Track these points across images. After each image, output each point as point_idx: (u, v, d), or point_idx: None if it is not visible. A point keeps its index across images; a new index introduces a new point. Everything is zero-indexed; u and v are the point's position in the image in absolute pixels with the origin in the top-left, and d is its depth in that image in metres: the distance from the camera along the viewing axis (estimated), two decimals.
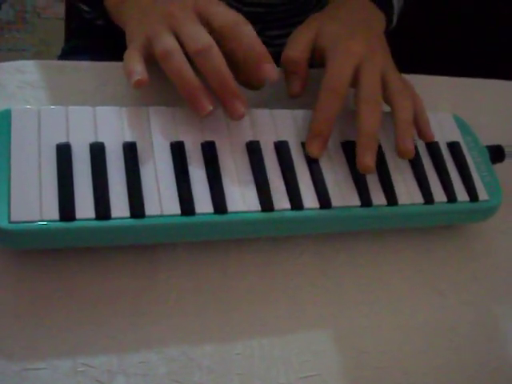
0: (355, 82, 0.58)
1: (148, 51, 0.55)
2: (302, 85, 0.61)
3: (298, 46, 0.61)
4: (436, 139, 0.62)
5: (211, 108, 0.53)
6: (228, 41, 0.55)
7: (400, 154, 0.57)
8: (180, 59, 0.53)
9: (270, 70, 0.55)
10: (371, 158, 0.55)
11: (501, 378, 0.56)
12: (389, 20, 0.70)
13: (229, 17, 0.56)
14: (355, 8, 0.66)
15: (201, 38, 0.54)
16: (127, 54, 0.56)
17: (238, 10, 0.58)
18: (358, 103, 0.57)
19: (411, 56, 0.63)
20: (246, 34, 0.55)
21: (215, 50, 0.53)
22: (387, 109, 0.59)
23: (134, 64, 0.54)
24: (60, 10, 1.90)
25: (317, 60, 0.62)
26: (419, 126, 0.60)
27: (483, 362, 0.56)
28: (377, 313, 0.56)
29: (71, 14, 0.99)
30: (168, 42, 0.54)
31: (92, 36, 0.87)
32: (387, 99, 0.59)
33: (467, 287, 0.61)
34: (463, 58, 1.20)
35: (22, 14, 2.02)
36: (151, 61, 0.55)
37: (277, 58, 0.58)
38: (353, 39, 0.60)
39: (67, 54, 0.92)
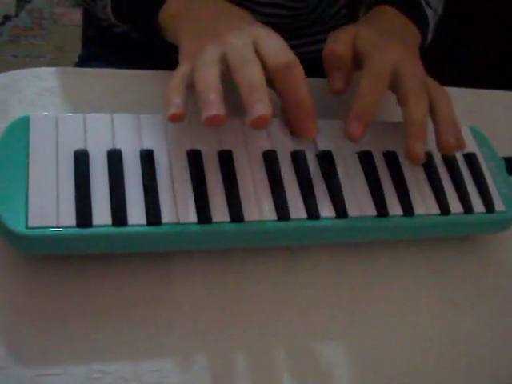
0: (395, 82, 0.58)
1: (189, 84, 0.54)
2: (346, 81, 0.60)
3: (341, 41, 0.60)
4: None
5: (214, 112, 0.49)
6: (278, 84, 0.54)
7: (442, 149, 0.57)
8: (212, 70, 0.52)
9: (309, 131, 0.54)
10: (421, 147, 0.55)
11: None
12: (424, 36, 0.70)
13: (281, 58, 0.53)
14: (390, 21, 0.66)
15: (244, 54, 0.53)
16: (170, 81, 0.53)
17: (260, 11, 0.56)
18: (405, 95, 0.57)
19: (427, 67, 0.63)
20: (296, 82, 0.53)
21: (256, 66, 0.52)
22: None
23: (174, 94, 0.52)
24: (77, 16, 1.91)
25: (353, 62, 0.61)
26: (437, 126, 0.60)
27: (498, 375, 0.56)
28: (391, 324, 0.56)
29: (88, 21, 1.00)
30: (208, 58, 0.53)
31: (109, 43, 0.87)
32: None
33: (483, 299, 0.60)
34: (480, 69, 1.20)
35: (39, 21, 2.03)
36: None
37: None
38: (390, 44, 0.59)
39: (84, 60, 0.92)
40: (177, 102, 0.51)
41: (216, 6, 0.61)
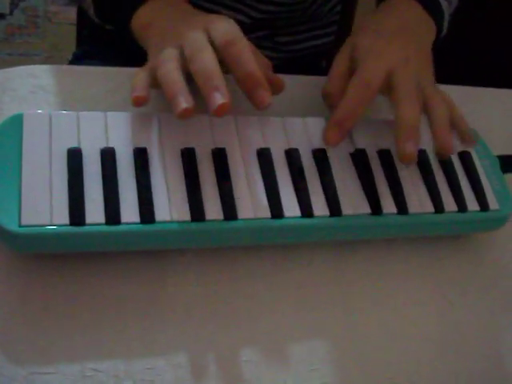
0: (389, 87, 0.58)
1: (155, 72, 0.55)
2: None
3: (332, 81, 0.61)
4: None
5: (185, 105, 0.50)
6: (226, 61, 0.54)
7: (439, 151, 0.58)
8: (172, 65, 0.53)
9: (262, 99, 0.53)
10: (412, 147, 0.55)
11: None
12: (439, 28, 0.70)
13: (224, 35, 0.54)
14: (402, 14, 0.66)
15: (196, 43, 0.54)
16: (135, 73, 0.55)
17: (256, 8, 0.56)
18: (397, 99, 0.57)
19: None
20: (239, 55, 0.53)
21: (207, 52, 0.53)
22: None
23: (138, 80, 0.54)
24: (71, 15, 1.90)
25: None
26: (460, 130, 0.60)
27: (491, 372, 0.56)
28: (385, 321, 0.56)
29: (82, 19, 1.00)
30: (167, 53, 0.54)
31: (103, 41, 0.87)
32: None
33: (477, 297, 0.60)
34: (475, 67, 1.20)
35: (34, 19, 2.03)
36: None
37: (285, 64, 0.58)
38: (388, 46, 0.60)
39: (78, 58, 0.92)
40: (140, 87, 0.53)
41: (180, 13, 0.62)
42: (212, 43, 0.54)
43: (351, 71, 0.60)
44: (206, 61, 0.52)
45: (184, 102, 0.50)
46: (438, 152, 0.59)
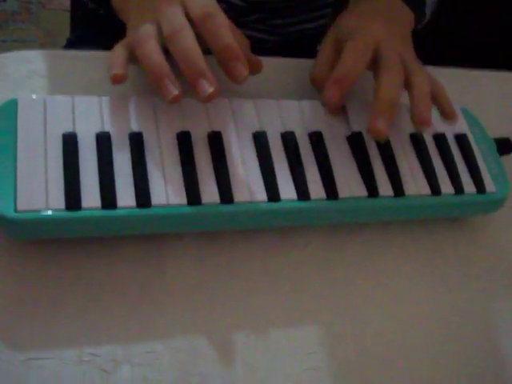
0: (374, 60, 0.58)
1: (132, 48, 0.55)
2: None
3: (320, 65, 0.61)
4: (443, 131, 0.62)
5: (176, 92, 0.51)
6: (203, 34, 0.53)
7: (416, 122, 0.57)
8: (151, 44, 0.52)
9: (237, 71, 0.52)
10: (384, 123, 0.55)
11: (508, 373, 0.56)
12: (419, 16, 0.69)
13: (201, 9, 0.53)
14: (377, 2, 0.66)
15: (174, 22, 0.53)
16: (112, 50, 0.55)
17: None
18: (379, 72, 0.57)
19: (417, 47, 0.63)
20: (216, 28, 0.53)
21: (186, 32, 0.52)
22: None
23: (116, 58, 0.53)
24: (65, 1, 1.89)
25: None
26: (442, 105, 0.60)
27: (490, 355, 0.56)
28: (383, 305, 0.56)
29: (75, 4, 0.99)
30: (142, 30, 0.53)
31: (97, 26, 0.87)
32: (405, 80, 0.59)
33: (474, 280, 0.60)
34: (471, 49, 1.19)
35: (27, 5, 2.01)
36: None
37: (279, 47, 0.58)
38: (372, 24, 0.60)
39: (73, 44, 0.92)
40: (118, 64, 0.52)
41: None
42: (188, 16, 0.53)
43: (338, 54, 0.59)
44: (187, 42, 0.52)
45: (172, 88, 0.50)
46: (415, 124, 0.58)
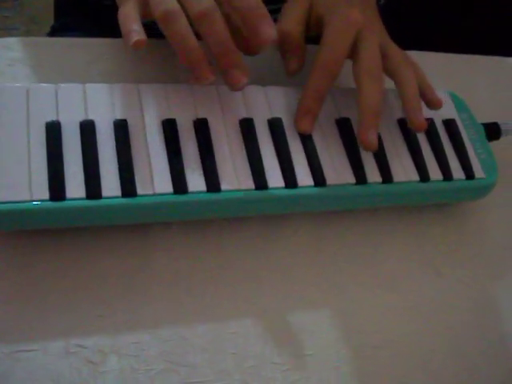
0: (354, 53, 0.57)
1: (144, 11, 0.53)
2: (300, 61, 0.58)
3: (290, 19, 0.59)
4: (431, 116, 0.61)
5: (213, 78, 0.51)
6: (225, 4, 0.51)
7: (416, 129, 0.57)
8: (184, 24, 0.50)
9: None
10: (375, 135, 0.54)
11: (497, 356, 0.56)
12: None
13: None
14: None
15: (203, 1, 0.50)
16: (123, 13, 0.52)
17: None
18: (359, 77, 0.56)
19: (404, 31, 0.62)
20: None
21: (218, 13, 0.50)
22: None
23: (132, 23, 0.51)
24: None
25: (313, 30, 0.60)
26: (425, 95, 0.59)
27: (480, 341, 0.56)
28: (372, 291, 0.56)
29: None
30: (170, 3, 0.50)
31: (81, 12, 0.86)
32: (388, 71, 0.58)
33: (464, 265, 0.60)
34: (458, 34, 1.19)
35: None
36: (147, 19, 0.52)
37: None
38: (351, 7, 0.57)
39: (56, 30, 0.91)
40: (137, 29, 0.50)
41: None
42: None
43: (307, 23, 0.59)
44: (220, 26, 0.50)
45: (209, 74, 0.51)
46: (412, 129, 0.57)
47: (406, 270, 0.58)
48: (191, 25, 0.51)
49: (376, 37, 0.58)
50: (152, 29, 0.52)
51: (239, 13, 0.51)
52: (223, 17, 0.51)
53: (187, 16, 0.51)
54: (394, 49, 0.59)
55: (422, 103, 0.58)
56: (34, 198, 0.46)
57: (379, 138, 0.57)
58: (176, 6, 0.50)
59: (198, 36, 0.51)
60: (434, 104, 0.59)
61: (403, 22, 0.64)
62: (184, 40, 0.50)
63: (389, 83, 0.58)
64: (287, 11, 0.60)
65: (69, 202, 0.47)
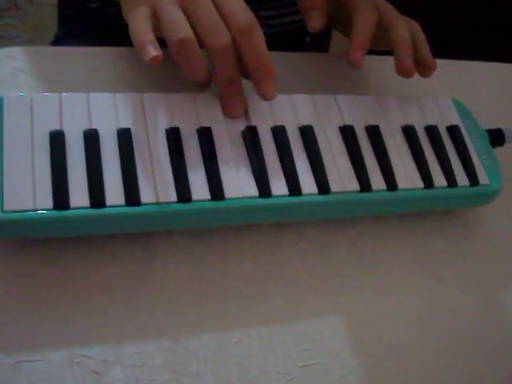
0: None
1: (154, 25, 0.53)
2: (323, 17, 0.62)
3: None
4: (435, 123, 0.61)
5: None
6: (240, 45, 0.53)
7: (402, 72, 0.60)
8: (197, 54, 0.52)
9: (270, 90, 0.54)
10: (361, 54, 0.59)
11: (500, 363, 0.56)
12: None
13: (245, 19, 0.53)
14: None
15: (218, 31, 0.52)
16: (136, 24, 0.53)
17: None
18: (354, 12, 0.61)
19: None
20: (258, 43, 0.53)
21: (232, 52, 0.53)
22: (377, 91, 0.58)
23: (147, 36, 0.51)
24: None
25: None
26: (418, 52, 0.61)
27: (484, 349, 0.56)
28: (376, 300, 0.56)
29: None
30: (184, 30, 0.51)
31: (85, 21, 0.86)
32: (381, 23, 0.61)
33: (468, 273, 0.60)
34: (463, 41, 1.19)
35: (15, 1, 2.00)
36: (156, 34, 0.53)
37: (272, 40, 0.57)
38: None
39: (60, 39, 0.91)
40: (154, 44, 0.51)
41: None
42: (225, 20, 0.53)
43: None
44: (230, 68, 0.53)
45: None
46: (399, 73, 0.61)
47: (410, 278, 0.58)
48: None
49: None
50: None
51: (249, 62, 0.53)
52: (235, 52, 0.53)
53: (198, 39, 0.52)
54: (386, 4, 0.63)
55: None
56: (38, 207, 0.46)
57: (383, 145, 0.57)
58: (190, 33, 0.51)
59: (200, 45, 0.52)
60: (425, 63, 0.62)
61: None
62: (196, 71, 0.53)
63: (394, 89, 0.58)
64: None
65: (73, 211, 0.47)
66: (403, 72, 0.60)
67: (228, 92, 0.54)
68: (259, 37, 0.53)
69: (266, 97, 0.54)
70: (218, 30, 0.52)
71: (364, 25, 0.60)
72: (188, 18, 0.52)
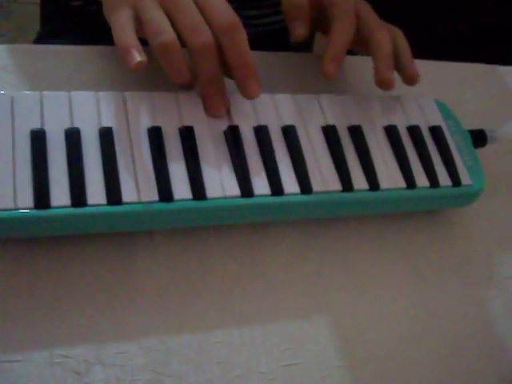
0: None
1: (136, 27, 0.53)
2: (306, 26, 0.61)
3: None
4: (417, 123, 0.61)
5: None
6: (222, 44, 0.53)
7: (381, 85, 0.59)
8: (180, 56, 0.52)
9: (253, 89, 0.54)
10: (336, 66, 0.58)
11: (482, 362, 0.56)
12: None
13: (227, 19, 0.53)
14: None
15: (199, 30, 0.52)
16: (119, 27, 0.53)
17: None
18: (333, 20, 0.60)
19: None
20: (240, 43, 0.53)
21: (214, 50, 0.53)
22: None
23: (132, 41, 0.51)
24: None
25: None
26: (401, 60, 0.61)
27: (465, 348, 0.56)
28: (358, 299, 0.56)
29: None
30: (167, 33, 0.52)
31: (67, 19, 0.85)
32: (362, 32, 0.61)
33: (450, 272, 0.60)
34: (445, 41, 1.19)
35: None
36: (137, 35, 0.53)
37: (255, 40, 0.57)
38: None
39: (43, 38, 0.90)
40: (137, 48, 0.51)
41: None
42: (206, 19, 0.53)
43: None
44: (212, 67, 0.53)
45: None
46: (377, 85, 0.60)
47: (392, 277, 0.58)
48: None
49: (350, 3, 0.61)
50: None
51: (232, 61, 0.53)
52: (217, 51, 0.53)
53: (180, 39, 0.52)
54: (369, 11, 0.62)
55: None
56: (19, 206, 0.46)
57: (366, 145, 0.58)
58: (173, 36, 0.52)
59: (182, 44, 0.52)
60: (408, 72, 0.61)
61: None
62: (180, 73, 0.53)
63: (377, 90, 0.58)
64: None
65: (53, 210, 0.47)
66: (382, 85, 0.59)
67: (210, 91, 0.53)
68: (242, 36, 0.53)
69: (249, 96, 0.54)
70: (199, 28, 0.52)
71: (340, 36, 0.59)
72: (170, 18, 0.52)
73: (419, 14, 1.20)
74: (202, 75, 0.53)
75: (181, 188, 0.50)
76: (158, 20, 0.52)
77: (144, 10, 0.53)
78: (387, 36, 0.60)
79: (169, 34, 0.51)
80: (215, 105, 0.54)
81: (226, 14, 0.53)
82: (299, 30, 0.61)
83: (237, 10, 0.53)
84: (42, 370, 0.45)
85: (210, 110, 0.54)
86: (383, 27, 0.61)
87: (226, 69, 0.54)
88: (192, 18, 0.52)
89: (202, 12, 0.53)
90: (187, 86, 0.54)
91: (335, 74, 0.58)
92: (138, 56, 0.50)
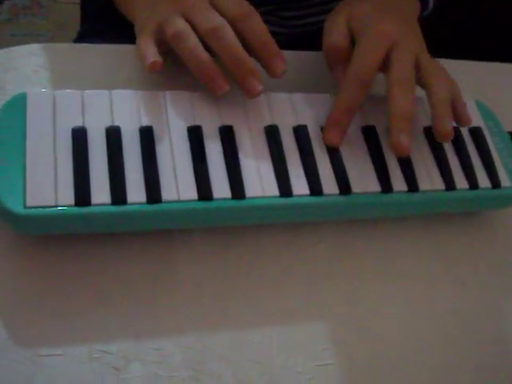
0: (386, 64, 0.56)
1: (160, 37, 0.55)
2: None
3: (337, 32, 0.59)
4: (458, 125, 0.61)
5: (228, 88, 0.53)
6: (240, 30, 0.54)
7: (438, 136, 0.55)
8: (193, 40, 0.53)
9: (279, 67, 0.55)
10: (407, 139, 0.53)
11: None
12: (423, 5, 0.68)
13: (241, 8, 0.55)
14: None
15: (213, 18, 0.54)
16: (139, 41, 0.56)
17: None
18: (391, 86, 0.55)
19: (430, 40, 0.62)
20: (257, 27, 0.54)
21: (227, 28, 0.53)
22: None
23: (147, 48, 0.54)
24: None
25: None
26: (456, 108, 0.58)
27: (503, 354, 0.55)
28: (396, 302, 0.55)
29: None
30: (179, 24, 0.54)
31: (107, 19, 0.86)
32: (421, 81, 0.57)
33: (489, 275, 0.59)
34: (485, 42, 1.18)
35: None
36: (164, 48, 0.55)
37: (290, 40, 0.57)
38: (385, 21, 0.57)
39: (83, 37, 0.91)
40: (152, 53, 0.53)
41: None
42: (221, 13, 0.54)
43: (349, 36, 0.59)
44: (232, 39, 0.53)
45: (223, 83, 0.53)
46: (437, 138, 0.56)
47: (430, 281, 0.57)
48: (203, 42, 0.54)
49: (410, 49, 0.57)
50: None
51: (252, 44, 0.54)
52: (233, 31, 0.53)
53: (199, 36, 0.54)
54: (429, 61, 0.58)
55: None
56: (60, 204, 0.46)
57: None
58: (185, 25, 0.54)
59: (210, 52, 0.53)
60: (463, 120, 0.58)
61: (427, 29, 0.63)
62: (194, 55, 0.53)
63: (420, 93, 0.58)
64: (330, 26, 0.60)
65: (94, 207, 0.47)
66: (441, 136, 0.55)
67: (239, 72, 0.53)
68: (256, 18, 0.54)
69: (276, 73, 0.55)
70: (210, 16, 0.54)
71: (401, 104, 0.55)
72: (191, 24, 0.54)
73: (458, 13, 1.19)
74: (225, 57, 0.53)
75: (220, 187, 0.50)
76: (173, 20, 0.54)
77: (166, 20, 0.55)
78: (445, 85, 0.57)
79: (180, 23, 0.54)
80: (249, 84, 0.53)
81: (238, 5, 0.55)
82: (340, 73, 0.59)
83: (274, 11, 0.54)
84: (81, 364, 0.46)
85: (246, 92, 0.54)
86: (441, 76, 0.58)
87: (250, 53, 0.55)
88: (207, 18, 0.54)
89: (217, 10, 0.55)
90: (222, 90, 0.54)
91: (408, 146, 0.54)
92: (151, 57, 0.53)
